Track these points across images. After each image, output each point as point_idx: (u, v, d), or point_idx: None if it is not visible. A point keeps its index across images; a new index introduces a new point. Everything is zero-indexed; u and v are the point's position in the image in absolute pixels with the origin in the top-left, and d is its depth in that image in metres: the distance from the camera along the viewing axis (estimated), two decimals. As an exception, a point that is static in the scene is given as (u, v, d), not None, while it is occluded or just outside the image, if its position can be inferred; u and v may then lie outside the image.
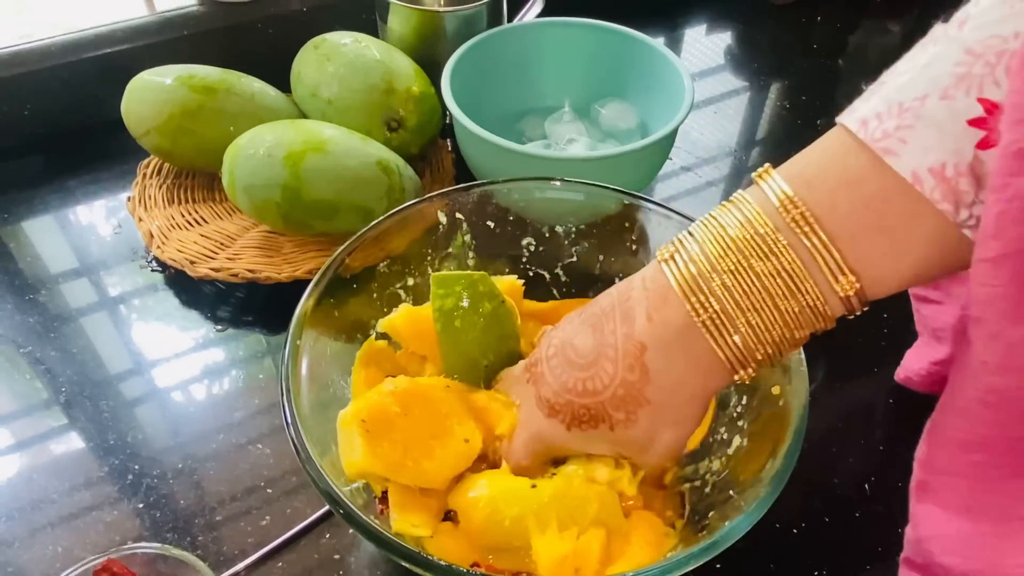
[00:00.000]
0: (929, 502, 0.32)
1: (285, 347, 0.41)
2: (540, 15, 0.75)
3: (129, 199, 0.65)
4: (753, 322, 0.33)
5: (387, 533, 0.35)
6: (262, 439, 0.52)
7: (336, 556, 0.47)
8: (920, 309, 0.51)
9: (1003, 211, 0.25)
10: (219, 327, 0.60)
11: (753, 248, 0.32)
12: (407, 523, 0.39)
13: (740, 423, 0.43)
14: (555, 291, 0.54)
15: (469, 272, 0.44)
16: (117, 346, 0.59)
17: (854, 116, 0.30)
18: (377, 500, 0.42)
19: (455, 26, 0.69)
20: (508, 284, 0.48)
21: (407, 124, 0.65)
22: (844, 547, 0.48)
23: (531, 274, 0.53)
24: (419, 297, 0.50)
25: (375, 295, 0.49)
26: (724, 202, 0.34)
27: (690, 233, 0.34)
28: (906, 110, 0.28)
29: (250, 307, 0.61)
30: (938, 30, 0.29)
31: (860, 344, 0.58)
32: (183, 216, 0.64)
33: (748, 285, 0.32)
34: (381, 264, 0.49)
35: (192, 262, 0.59)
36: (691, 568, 0.35)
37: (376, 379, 0.45)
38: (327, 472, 0.37)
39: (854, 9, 0.93)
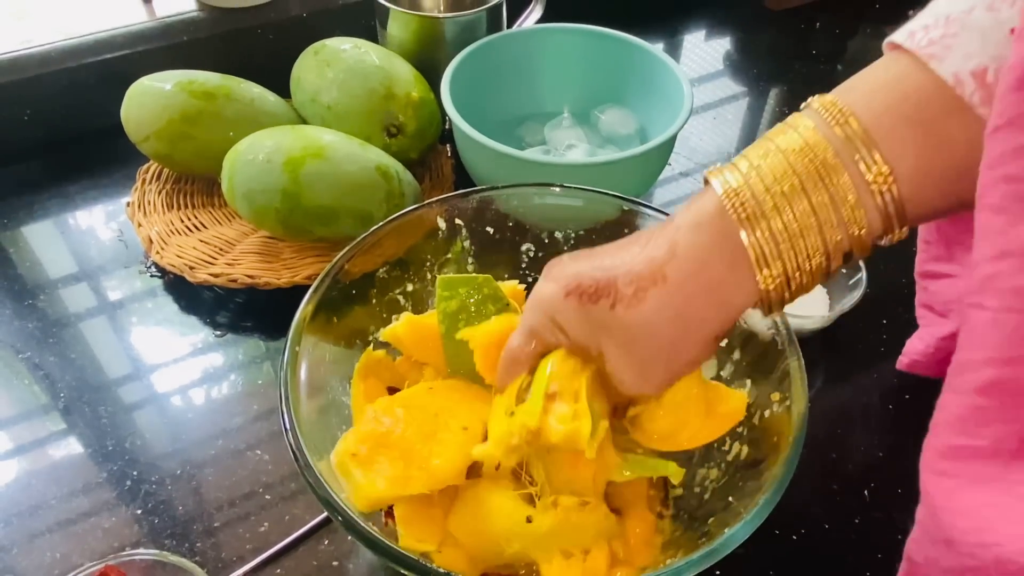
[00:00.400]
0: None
1: (284, 353, 0.41)
2: (539, 21, 0.75)
3: (128, 204, 0.65)
4: (782, 209, 0.31)
5: (385, 540, 0.35)
6: (261, 445, 0.52)
7: (335, 563, 0.47)
8: (928, 287, 0.51)
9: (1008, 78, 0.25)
10: (218, 332, 0.59)
11: (793, 147, 0.31)
12: (413, 538, 0.39)
13: (739, 430, 0.43)
14: (554, 297, 0.54)
15: (474, 275, 0.44)
16: (116, 351, 0.58)
17: (902, 31, 0.31)
18: (383, 512, 0.42)
19: (455, 32, 0.69)
20: (510, 289, 0.48)
21: (406, 130, 0.65)
22: (844, 554, 0.47)
23: (531, 279, 0.53)
24: (418, 302, 0.50)
25: (374, 301, 0.49)
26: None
27: (742, 154, 0.34)
28: (952, 21, 0.29)
29: (249, 313, 0.61)
30: None
31: (859, 351, 0.58)
32: (182, 221, 0.64)
33: (781, 171, 0.31)
34: (380, 270, 0.49)
35: (191, 267, 0.59)
36: (691, 574, 0.35)
37: (376, 390, 0.45)
38: (325, 478, 0.37)
39: (853, 15, 0.93)
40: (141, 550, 0.42)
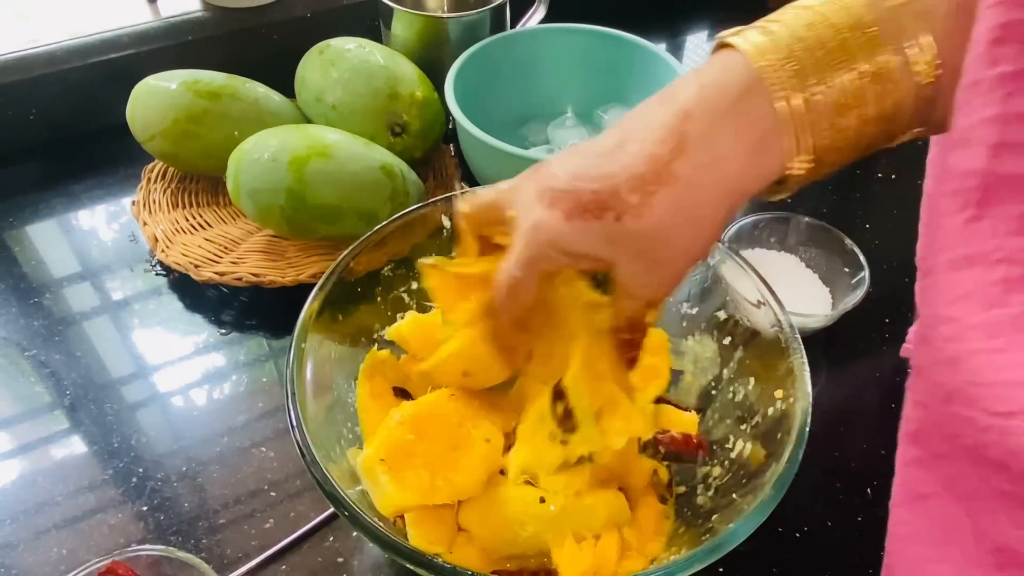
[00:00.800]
0: None
1: (290, 350, 0.41)
2: (542, 21, 0.75)
3: (134, 203, 0.66)
4: (825, 72, 0.30)
5: (391, 535, 0.35)
6: (266, 442, 0.53)
7: (340, 559, 0.47)
8: None
9: None
10: (223, 331, 0.60)
11: (837, 15, 0.30)
12: (423, 539, 0.40)
13: (743, 427, 0.43)
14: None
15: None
16: (121, 350, 0.59)
17: None
18: None
19: (458, 32, 0.69)
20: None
21: (411, 129, 0.65)
22: (847, 551, 0.48)
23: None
24: (423, 300, 0.51)
25: (379, 299, 0.49)
26: None
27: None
28: None
29: (254, 311, 0.61)
30: None
31: (862, 350, 0.58)
32: (187, 220, 0.65)
33: (821, 32, 0.30)
34: (385, 268, 0.49)
35: (196, 266, 0.60)
36: (694, 571, 0.35)
37: (381, 389, 0.45)
38: (332, 474, 0.37)
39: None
40: (147, 546, 0.43)
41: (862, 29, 0.30)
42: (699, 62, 0.88)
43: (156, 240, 0.62)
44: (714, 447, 0.45)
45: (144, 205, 0.65)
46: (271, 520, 0.48)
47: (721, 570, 0.46)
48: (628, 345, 0.38)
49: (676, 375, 0.49)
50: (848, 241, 0.59)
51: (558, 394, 0.38)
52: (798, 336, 0.42)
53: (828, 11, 0.30)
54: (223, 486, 0.50)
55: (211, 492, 0.50)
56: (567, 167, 0.33)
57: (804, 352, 0.41)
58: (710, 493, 0.43)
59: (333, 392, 0.45)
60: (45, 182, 0.71)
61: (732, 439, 0.44)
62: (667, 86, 0.33)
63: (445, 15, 0.70)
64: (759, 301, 0.44)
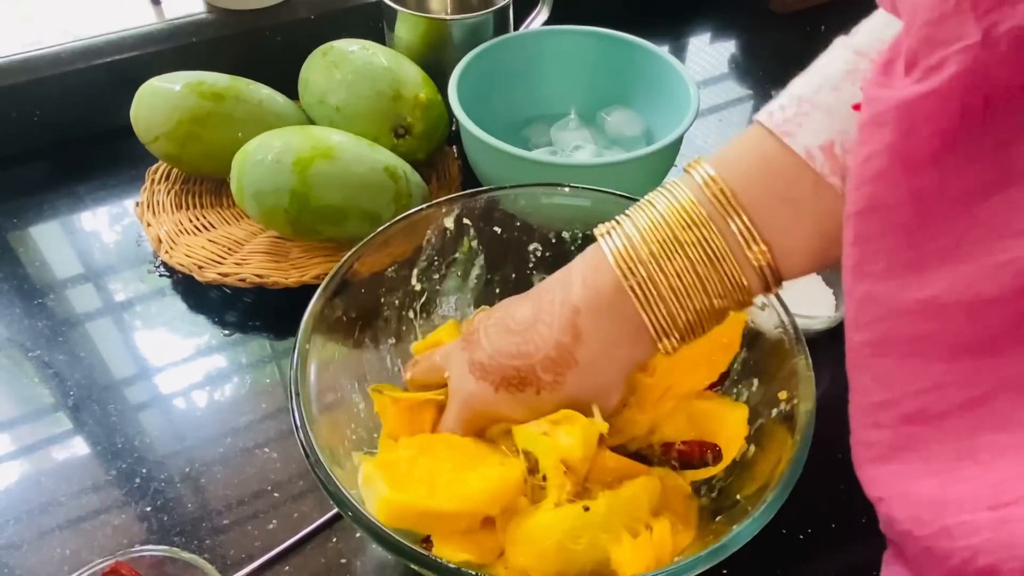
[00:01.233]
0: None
1: (294, 351, 0.41)
2: (546, 23, 0.75)
3: (137, 204, 0.66)
4: (676, 287, 0.35)
5: (394, 535, 0.35)
6: (269, 443, 0.53)
7: (343, 560, 0.47)
8: None
9: (856, 172, 0.28)
10: (226, 332, 0.60)
11: (678, 219, 0.35)
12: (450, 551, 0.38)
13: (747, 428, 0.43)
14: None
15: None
16: (124, 350, 0.59)
17: (764, 110, 0.35)
18: (421, 541, 0.40)
19: (462, 34, 0.69)
20: (448, 329, 0.49)
21: (414, 131, 0.65)
22: (851, 553, 0.47)
23: (537, 279, 0.53)
24: (427, 302, 0.51)
25: (383, 300, 0.49)
26: (658, 188, 0.38)
27: (626, 214, 0.38)
28: (804, 101, 0.33)
29: (257, 312, 0.61)
30: (836, 41, 0.35)
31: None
32: (191, 221, 0.65)
33: (672, 252, 0.35)
34: (388, 269, 0.49)
35: (200, 267, 0.60)
36: (698, 572, 0.35)
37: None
38: (335, 475, 0.37)
39: (858, 17, 0.93)
40: (150, 546, 0.43)
41: (704, 238, 0.35)
42: (701, 64, 0.89)
43: (160, 241, 0.62)
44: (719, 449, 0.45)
45: (148, 206, 0.65)
46: (274, 521, 0.48)
47: (725, 572, 0.45)
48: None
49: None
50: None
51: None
52: (802, 337, 0.42)
53: (672, 217, 0.36)
54: (226, 487, 0.50)
55: (214, 493, 0.50)
56: (493, 343, 0.40)
57: (808, 354, 0.41)
58: (714, 495, 0.43)
59: (336, 392, 0.45)
60: (49, 183, 0.71)
61: (736, 441, 0.44)
62: (566, 267, 0.40)
63: (449, 17, 0.70)
64: (763, 303, 0.44)
